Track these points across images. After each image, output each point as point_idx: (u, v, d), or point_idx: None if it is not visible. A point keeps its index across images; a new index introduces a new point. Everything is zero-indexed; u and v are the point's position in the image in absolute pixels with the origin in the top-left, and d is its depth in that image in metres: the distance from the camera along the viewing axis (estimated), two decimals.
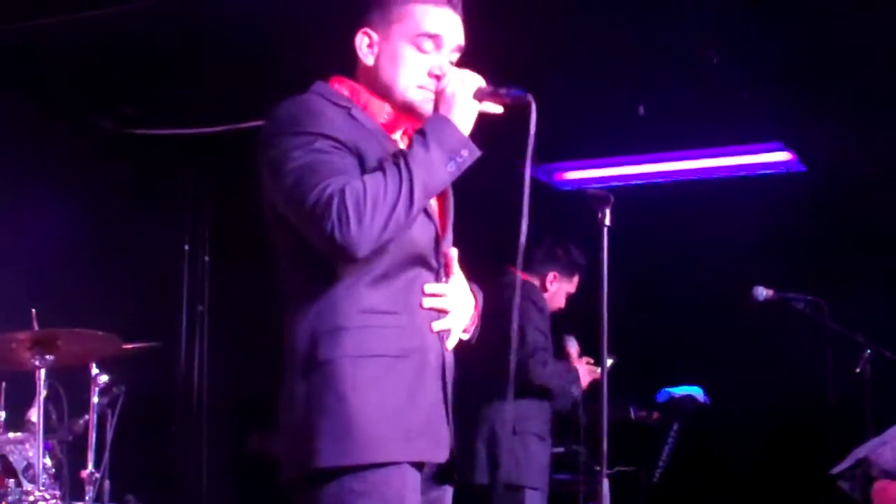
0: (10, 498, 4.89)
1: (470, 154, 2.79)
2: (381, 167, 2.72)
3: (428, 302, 2.86)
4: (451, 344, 2.92)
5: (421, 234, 2.85)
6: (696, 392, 6.60)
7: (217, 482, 7.71)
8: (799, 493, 6.50)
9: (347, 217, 2.62)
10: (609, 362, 3.06)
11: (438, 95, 2.84)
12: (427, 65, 2.90)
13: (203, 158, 7.70)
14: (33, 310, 4.96)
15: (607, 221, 3.00)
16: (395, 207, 2.68)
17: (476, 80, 2.84)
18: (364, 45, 2.94)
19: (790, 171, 7.32)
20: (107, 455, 5.56)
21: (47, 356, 4.84)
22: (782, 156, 7.18)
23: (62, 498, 5.08)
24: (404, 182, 2.69)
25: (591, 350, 5.58)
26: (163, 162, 7.44)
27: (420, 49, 2.90)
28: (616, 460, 5.95)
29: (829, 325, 5.77)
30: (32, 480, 4.92)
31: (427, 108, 2.89)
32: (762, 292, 5.81)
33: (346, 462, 2.70)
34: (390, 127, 2.94)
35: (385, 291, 2.80)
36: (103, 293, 6.63)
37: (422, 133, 2.77)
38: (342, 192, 2.64)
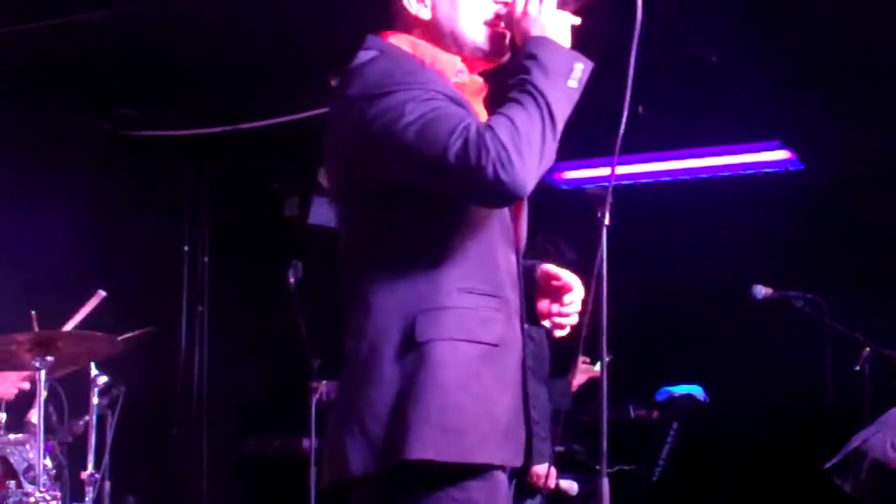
0: (10, 499, 4.89)
1: (585, 67, 2.60)
2: (511, 98, 2.54)
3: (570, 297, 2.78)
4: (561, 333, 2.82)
5: (506, 213, 2.71)
6: (696, 391, 6.60)
7: (217, 484, 7.71)
8: (798, 491, 6.50)
9: (508, 154, 2.42)
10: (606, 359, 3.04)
11: (521, 20, 2.66)
12: None
13: (202, 160, 7.71)
14: (33, 311, 4.97)
15: (607, 220, 2.97)
16: (545, 136, 2.50)
17: None
18: (413, 1, 2.76)
19: (789, 170, 7.32)
20: (107, 456, 5.57)
21: (47, 357, 4.84)
22: (781, 154, 7.17)
23: (63, 499, 5.08)
24: (543, 109, 2.50)
25: (589, 348, 5.58)
26: (162, 164, 7.44)
27: None
28: (616, 459, 5.96)
29: (829, 324, 5.77)
30: (33, 482, 4.92)
31: (498, 45, 2.76)
32: (761, 290, 5.81)
33: (444, 457, 2.48)
34: (460, 84, 2.73)
35: (482, 271, 2.63)
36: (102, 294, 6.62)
37: (532, 57, 2.57)
38: (491, 129, 2.45)
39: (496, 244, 2.68)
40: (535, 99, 2.51)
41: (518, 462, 2.65)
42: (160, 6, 5.44)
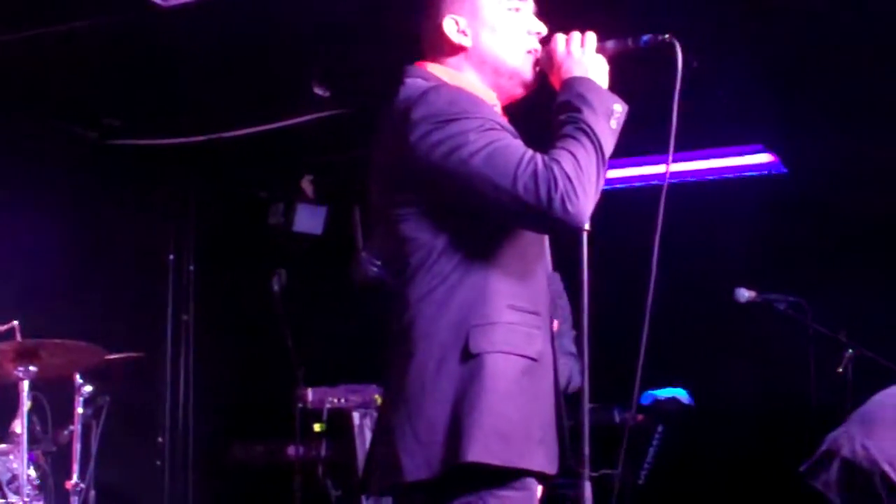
0: None
1: (623, 109, 2.74)
2: (567, 134, 2.67)
3: None
4: None
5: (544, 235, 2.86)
6: (681, 394, 6.61)
7: (204, 491, 7.71)
8: (783, 493, 6.51)
9: (574, 188, 2.57)
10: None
11: (564, 61, 2.80)
12: (524, 26, 2.88)
13: (187, 169, 7.70)
14: (15, 321, 4.97)
15: (587, 227, 2.99)
16: (599, 172, 2.65)
17: (591, 37, 2.81)
18: (454, 31, 2.86)
19: (772, 173, 7.35)
20: (92, 466, 5.56)
21: (31, 367, 4.84)
22: (763, 158, 7.20)
23: None
24: (597, 146, 2.65)
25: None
26: (147, 172, 7.44)
27: (510, 10, 2.87)
28: (601, 463, 5.96)
29: (812, 326, 5.80)
30: (17, 492, 4.93)
31: (536, 75, 2.87)
32: (744, 294, 5.83)
33: (495, 461, 2.60)
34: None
35: (526, 289, 2.76)
36: (88, 304, 6.62)
37: (579, 95, 2.70)
38: (557, 162, 2.59)
39: (536, 263, 2.82)
40: (589, 136, 2.65)
41: (553, 469, 2.76)
42: (145, 16, 5.43)
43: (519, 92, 2.92)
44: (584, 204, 2.59)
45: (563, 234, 2.69)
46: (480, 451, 2.59)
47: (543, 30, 2.90)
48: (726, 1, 5.34)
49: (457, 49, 2.88)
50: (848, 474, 4.44)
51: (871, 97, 6.21)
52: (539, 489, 2.79)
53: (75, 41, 5.71)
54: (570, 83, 2.75)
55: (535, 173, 2.57)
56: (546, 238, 2.88)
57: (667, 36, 2.81)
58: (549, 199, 2.56)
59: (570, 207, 2.57)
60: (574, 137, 2.65)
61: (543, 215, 2.59)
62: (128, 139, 7.11)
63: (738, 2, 5.39)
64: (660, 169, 7.16)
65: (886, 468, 4.33)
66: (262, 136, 6.86)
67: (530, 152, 2.62)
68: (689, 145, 7.02)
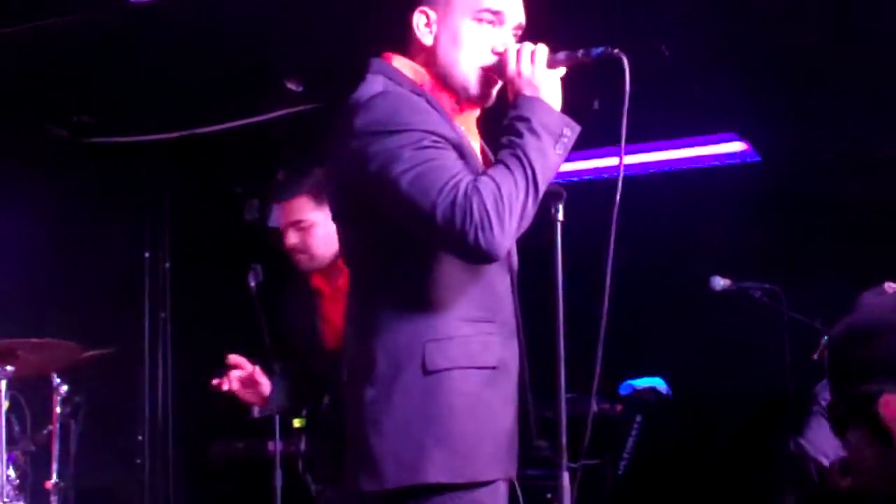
0: None
1: (572, 132, 2.69)
2: (500, 160, 2.62)
3: None
4: None
5: None
6: (659, 384, 6.63)
7: (184, 489, 7.70)
8: (761, 481, 6.55)
9: (490, 220, 2.52)
10: None
11: (514, 79, 2.72)
12: (489, 42, 2.80)
13: (161, 165, 7.68)
14: None
15: (560, 217, 2.99)
16: (526, 203, 2.59)
17: (542, 50, 2.73)
18: (421, 23, 2.82)
19: (745, 162, 7.37)
20: (72, 465, 5.55)
21: (7, 367, 4.83)
22: (737, 146, 7.22)
23: None
24: (528, 174, 2.59)
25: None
26: (121, 170, 7.41)
27: (481, 23, 2.80)
28: (580, 454, 5.98)
29: (787, 313, 5.82)
30: None
31: (485, 91, 2.82)
32: (719, 282, 5.86)
33: (457, 479, 2.62)
34: (451, 115, 2.81)
35: (479, 297, 2.73)
36: (64, 303, 6.60)
37: (523, 119, 2.64)
38: (478, 192, 2.53)
39: (493, 267, 2.75)
40: (522, 164, 2.59)
41: (514, 473, 2.80)
42: (117, 13, 5.42)
43: (472, 105, 2.87)
44: (499, 237, 2.53)
45: (476, 262, 2.65)
46: (441, 471, 2.61)
47: (509, 49, 2.79)
48: None
49: (418, 44, 2.85)
50: (790, 470, 4.57)
51: (843, 85, 6.23)
52: (503, 488, 2.79)
53: (46, 39, 5.68)
54: (518, 104, 2.69)
55: (453, 202, 2.52)
56: None
57: (616, 50, 2.72)
58: (463, 229, 2.52)
59: (482, 240, 2.52)
60: (506, 165, 2.60)
61: (458, 244, 2.56)
62: (101, 137, 7.09)
63: None
64: (638, 158, 7.18)
65: (820, 458, 4.46)
66: (236, 132, 6.85)
67: (457, 178, 2.56)
68: (664, 135, 7.05)
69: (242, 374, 4.21)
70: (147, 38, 5.77)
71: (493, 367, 2.72)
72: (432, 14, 2.82)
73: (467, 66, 2.81)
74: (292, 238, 4.26)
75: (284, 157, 7.57)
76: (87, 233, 7.03)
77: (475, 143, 2.89)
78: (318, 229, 4.22)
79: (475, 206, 2.51)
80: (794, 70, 6.20)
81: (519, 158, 2.59)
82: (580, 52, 2.76)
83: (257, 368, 4.31)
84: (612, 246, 2.83)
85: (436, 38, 2.82)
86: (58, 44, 5.78)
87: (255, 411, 4.51)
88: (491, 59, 2.81)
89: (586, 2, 5.14)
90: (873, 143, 6.91)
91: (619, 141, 2.84)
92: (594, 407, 2.86)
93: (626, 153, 2.83)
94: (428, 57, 2.84)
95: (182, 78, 6.33)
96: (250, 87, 6.48)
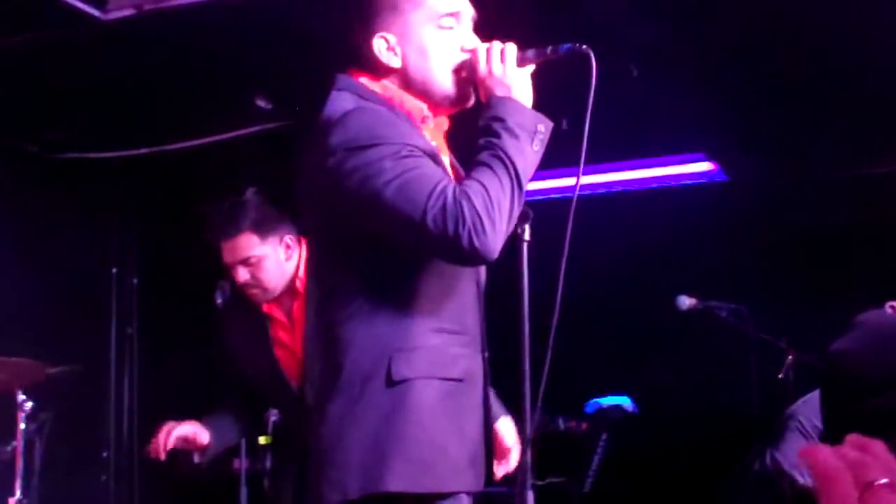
0: None
1: (546, 128, 2.72)
2: (483, 162, 2.64)
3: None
4: None
5: None
6: (624, 402, 6.65)
7: None
8: (727, 497, 6.57)
9: (482, 223, 2.54)
10: None
11: (485, 79, 2.75)
12: (456, 43, 2.83)
13: (129, 181, 7.67)
14: None
15: (527, 237, 3.00)
16: (513, 203, 2.62)
17: (511, 49, 2.76)
18: (384, 49, 2.82)
19: (713, 181, 7.41)
20: (36, 481, 5.52)
21: None
22: (705, 166, 7.26)
23: None
24: (512, 174, 2.62)
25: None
26: (89, 186, 7.39)
27: (442, 28, 2.82)
28: (546, 471, 5.99)
29: (753, 332, 5.85)
30: None
31: (464, 92, 2.83)
32: (685, 301, 5.88)
33: (417, 489, 2.64)
34: (420, 129, 2.83)
35: (449, 309, 2.75)
36: (30, 318, 6.57)
37: (499, 119, 2.67)
38: (467, 196, 2.56)
39: (460, 280, 2.79)
40: (504, 165, 2.62)
41: (479, 486, 2.81)
42: (86, 29, 5.41)
43: (455, 108, 2.90)
44: (492, 238, 2.57)
45: (471, 265, 2.70)
46: (402, 480, 2.62)
47: (477, 49, 2.83)
48: (669, 12, 5.38)
49: (385, 68, 2.85)
50: (761, 486, 4.58)
51: (812, 106, 6.27)
52: (466, 499, 2.81)
53: (16, 55, 5.67)
54: (491, 105, 2.72)
55: (443, 207, 2.54)
56: None
57: (584, 46, 2.78)
58: (457, 234, 2.54)
59: (476, 243, 2.55)
60: (489, 166, 2.63)
61: (452, 249, 2.58)
62: (70, 152, 7.07)
63: (681, 13, 5.43)
64: (607, 178, 7.20)
65: (795, 474, 4.48)
66: (205, 149, 6.85)
67: (443, 183, 2.58)
68: (632, 154, 7.07)
69: (173, 442, 4.21)
70: (117, 55, 5.76)
71: (459, 380, 2.74)
72: (391, 38, 2.83)
73: (441, 73, 2.83)
74: (242, 275, 4.23)
75: (253, 175, 7.56)
76: (54, 248, 7.01)
77: (445, 157, 2.91)
78: (267, 262, 4.19)
79: (466, 210, 2.54)
80: (762, 91, 6.23)
81: (501, 159, 2.63)
82: (549, 49, 2.80)
83: (192, 426, 4.28)
84: (563, 265, 2.86)
85: (403, 59, 2.83)
86: (28, 59, 5.77)
87: (196, 457, 4.49)
88: (462, 57, 2.84)
89: (553, 23, 5.16)
90: (840, 163, 6.97)
91: (587, 162, 2.87)
92: (529, 432, 2.84)
93: (595, 172, 2.88)
94: (400, 77, 2.85)
95: (151, 95, 6.32)
96: (219, 105, 6.48)
